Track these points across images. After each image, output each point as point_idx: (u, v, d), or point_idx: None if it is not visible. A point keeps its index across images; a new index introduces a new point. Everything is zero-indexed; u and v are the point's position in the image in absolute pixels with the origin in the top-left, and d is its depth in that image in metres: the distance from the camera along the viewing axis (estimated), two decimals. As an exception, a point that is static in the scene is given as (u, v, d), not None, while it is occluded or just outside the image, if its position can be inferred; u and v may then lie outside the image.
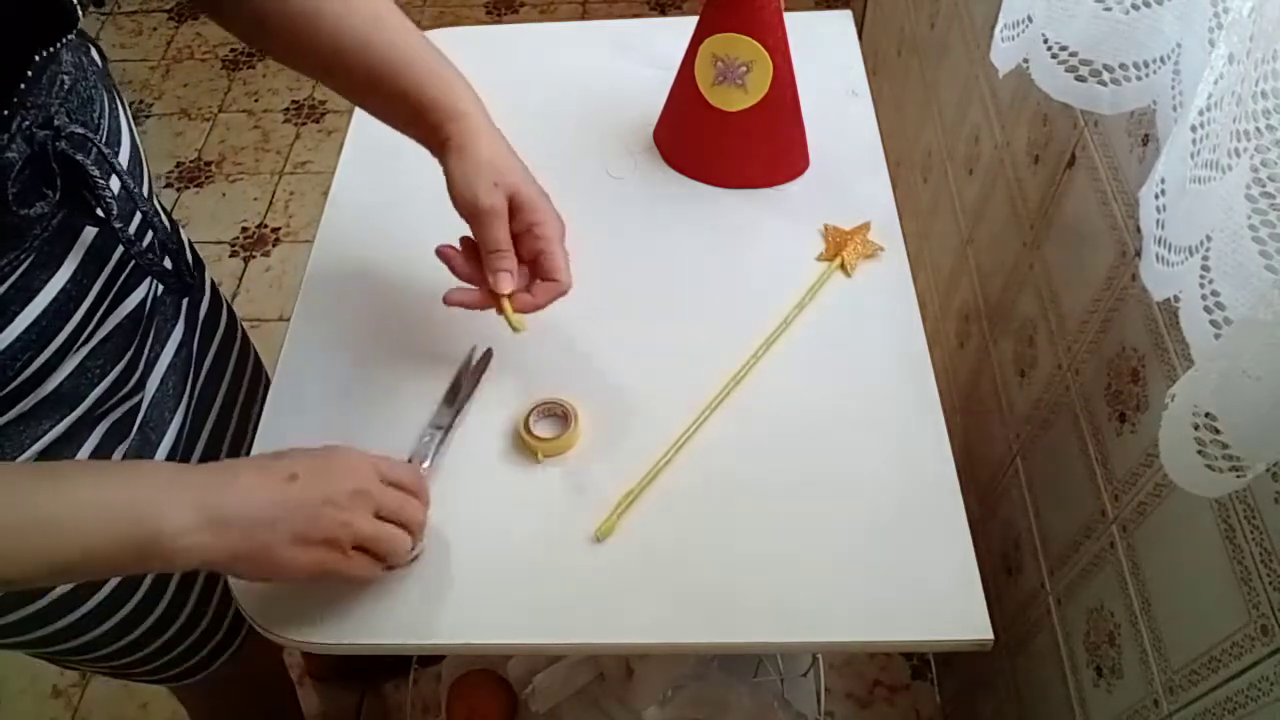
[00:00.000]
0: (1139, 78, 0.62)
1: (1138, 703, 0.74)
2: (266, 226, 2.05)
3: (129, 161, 0.65)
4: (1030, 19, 0.66)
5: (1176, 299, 0.52)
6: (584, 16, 2.48)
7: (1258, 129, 0.44)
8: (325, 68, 0.70)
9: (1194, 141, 0.50)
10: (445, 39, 1.07)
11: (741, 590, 0.66)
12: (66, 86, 0.59)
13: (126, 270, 0.66)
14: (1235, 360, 0.42)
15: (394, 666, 1.40)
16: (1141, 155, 0.74)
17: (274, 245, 2.01)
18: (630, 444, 0.74)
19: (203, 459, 0.81)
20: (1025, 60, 0.68)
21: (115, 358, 0.68)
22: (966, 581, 0.66)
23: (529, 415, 0.74)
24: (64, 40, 0.56)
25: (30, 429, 0.63)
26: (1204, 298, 0.47)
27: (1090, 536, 0.83)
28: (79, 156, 0.57)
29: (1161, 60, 0.60)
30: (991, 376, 1.08)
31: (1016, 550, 1.01)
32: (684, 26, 0.88)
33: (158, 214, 0.69)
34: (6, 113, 0.53)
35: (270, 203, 2.09)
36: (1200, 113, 0.49)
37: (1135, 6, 0.59)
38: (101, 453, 0.69)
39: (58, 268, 0.59)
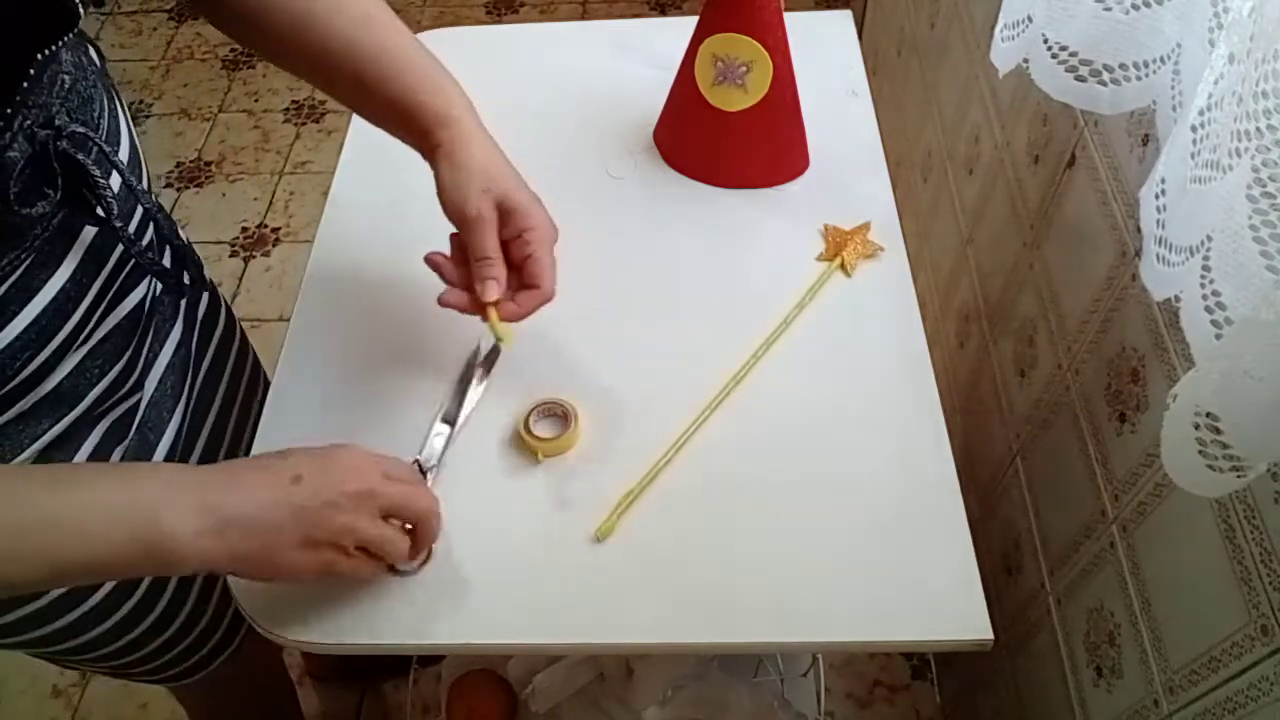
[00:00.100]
0: (1139, 78, 0.61)
1: (1138, 703, 0.74)
2: (266, 226, 2.05)
3: (129, 160, 0.65)
4: (1030, 19, 0.66)
5: (1177, 299, 0.52)
6: (584, 16, 2.48)
7: (1258, 129, 0.44)
8: (315, 69, 0.69)
9: (1194, 141, 0.50)
10: (445, 39, 1.07)
11: (741, 590, 0.66)
12: (67, 86, 0.59)
13: (126, 270, 0.66)
14: (1237, 360, 0.42)
15: (394, 666, 1.40)
16: (1141, 155, 0.74)
17: (274, 245, 2.01)
18: (630, 444, 0.74)
19: (201, 459, 0.81)
20: (1025, 60, 0.67)
21: (114, 357, 0.68)
22: (966, 581, 0.66)
23: (529, 415, 0.74)
24: (65, 39, 0.56)
25: (29, 428, 0.63)
26: (1205, 298, 0.47)
27: (1090, 536, 0.83)
28: (80, 156, 0.57)
29: (1161, 60, 0.60)
30: (991, 376, 1.08)
31: (1016, 550, 1.01)
32: (684, 26, 0.88)
33: (160, 209, 0.69)
34: (9, 111, 0.53)
35: (270, 203, 2.09)
36: (1200, 113, 0.49)
37: (1135, 6, 0.59)
38: (100, 452, 0.69)
39: (57, 267, 0.59)
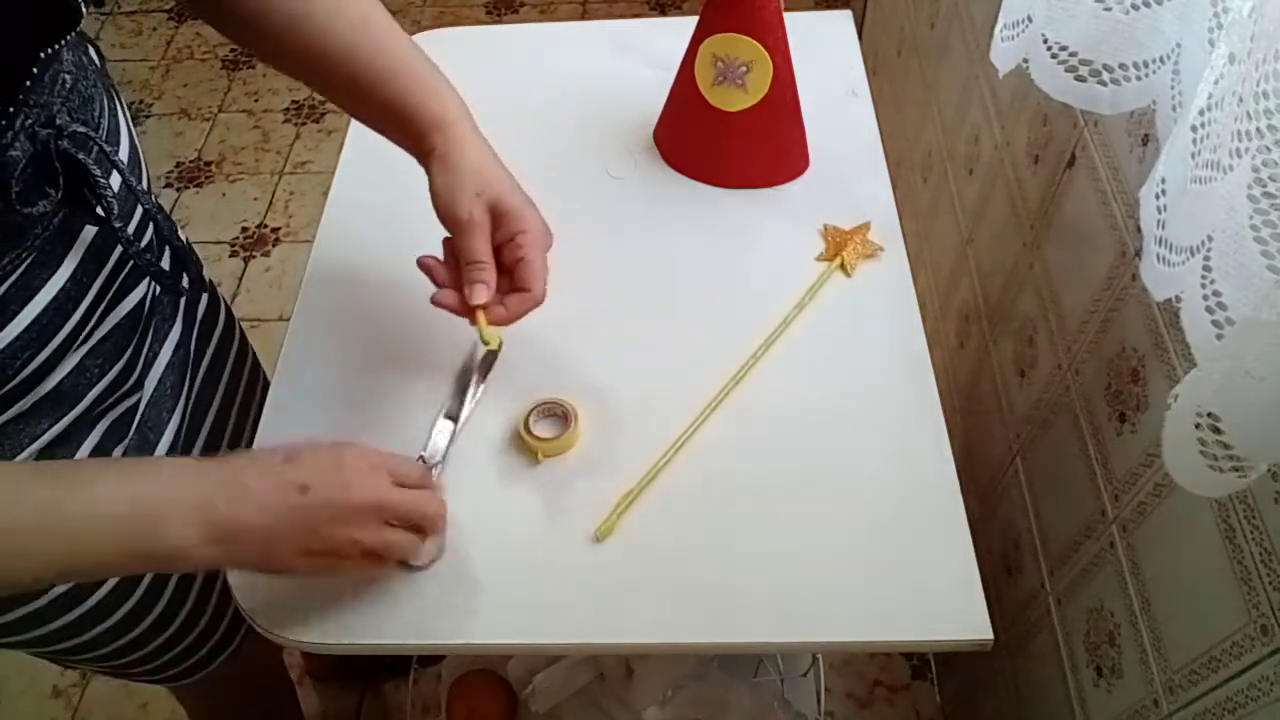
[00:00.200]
0: (1139, 78, 0.61)
1: (1138, 703, 0.74)
2: (266, 226, 2.05)
3: (128, 160, 0.65)
4: (1030, 19, 0.66)
5: (1177, 299, 0.52)
6: (584, 16, 2.48)
7: (1259, 129, 0.44)
8: (312, 71, 0.69)
9: (1194, 141, 0.50)
10: (445, 39, 1.07)
11: (741, 590, 0.66)
12: (68, 85, 0.59)
13: (125, 270, 0.67)
14: (1238, 361, 0.42)
15: (394, 666, 1.40)
16: (1141, 155, 0.74)
17: (274, 245, 2.01)
18: (630, 444, 0.73)
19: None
20: (1025, 60, 0.67)
21: (114, 357, 0.68)
22: (966, 581, 0.66)
23: (529, 415, 0.74)
24: (67, 38, 0.56)
25: (29, 428, 0.63)
26: (1205, 298, 0.47)
27: (1090, 536, 0.83)
28: (81, 155, 0.57)
29: (1161, 60, 0.60)
30: (991, 376, 1.08)
31: (1016, 550, 1.01)
32: (684, 26, 0.88)
33: (160, 209, 0.69)
34: (11, 111, 0.53)
35: (270, 203, 2.09)
36: (1201, 113, 0.49)
37: (1135, 6, 0.59)
38: (100, 452, 0.69)
39: (58, 267, 0.59)
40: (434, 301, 0.68)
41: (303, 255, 1.56)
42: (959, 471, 0.71)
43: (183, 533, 0.53)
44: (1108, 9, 0.60)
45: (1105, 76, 0.62)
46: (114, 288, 0.65)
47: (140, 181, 0.66)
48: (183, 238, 0.74)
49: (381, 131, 0.71)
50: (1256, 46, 0.44)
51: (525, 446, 0.73)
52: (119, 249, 0.64)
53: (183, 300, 0.79)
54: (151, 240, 0.69)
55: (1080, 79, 0.64)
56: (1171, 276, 0.52)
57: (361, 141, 0.97)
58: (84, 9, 0.56)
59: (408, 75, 0.68)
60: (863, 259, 0.84)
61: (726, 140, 0.88)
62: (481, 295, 0.65)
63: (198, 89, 2.36)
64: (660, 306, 0.83)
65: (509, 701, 1.06)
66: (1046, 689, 0.94)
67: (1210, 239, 0.48)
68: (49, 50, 0.55)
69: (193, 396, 0.80)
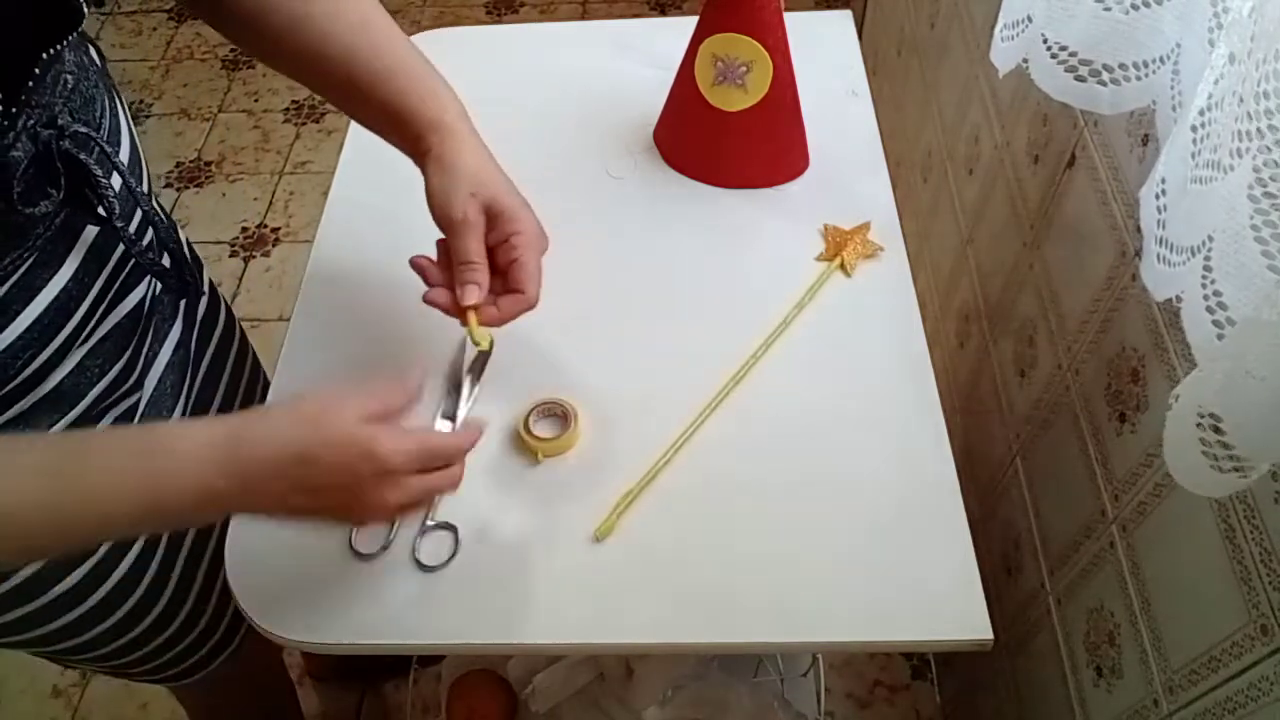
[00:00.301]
0: (1139, 78, 0.61)
1: (1138, 703, 0.74)
2: (266, 226, 2.05)
3: (129, 160, 0.65)
4: (1030, 19, 0.66)
5: (1178, 299, 0.52)
6: (584, 16, 2.48)
7: (1259, 129, 0.44)
8: (310, 72, 0.69)
9: (1194, 141, 0.50)
10: (445, 39, 1.07)
11: (741, 590, 0.66)
12: (70, 86, 0.59)
13: (126, 269, 0.67)
14: (1239, 361, 0.42)
15: (394, 666, 1.40)
16: (1141, 155, 0.74)
17: (274, 245, 2.01)
18: (630, 444, 0.73)
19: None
20: (1025, 60, 0.67)
21: (114, 356, 0.68)
22: (966, 581, 0.66)
23: (529, 415, 0.74)
24: (69, 39, 0.56)
25: (29, 428, 0.63)
26: (1206, 298, 0.47)
27: (1090, 536, 0.83)
28: (82, 155, 0.57)
29: (1161, 60, 0.60)
30: (991, 376, 1.08)
31: (1016, 550, 1.01)
32: (684, 26, 0.88)
33: (158, 212, 0.69)
34: (13, 111, 0.53)
35: (270, 203, 2.09)
36: (1201, 113, 0.49)
37: (1135, 6, 0.59)
38: (101, 452, 0.69)
39: (59, 266, 0.59)
40: (426, 300, 0.68)
41: (303, 255, 1.56)
42: (959, 471, 0.71)
43: (199, 468, 0.52)
44: (1108, 9, 0.60)
45: (1105, 76, 0.62)
46: (115, 287, 0.66)
47: (141, 183, 0.66)
48: (183, 238, 0.73)
49: (379, 133, 0.71)
50: (1256, 46, 0.44)
51: (525, 446, 0.73)
52: (120, 249, 0.64)
53: (183, 300, 0.79)
54: (152, 240, 0.69)
55: (1080, 79, 0.64)
56: (1172, 276, 0.52)
57: (361, 141, 0.97)
58: (85, 9, 0.56)
59: (405, 77, 0.68)
60: (863, 259, 0.84)
61: (726, 140, 0.88)
62: (473, 296, 0.65)
63: (198, 89, 2.36)
64: (660, 306, 0.83)
65: (509, 701, 1.06)
66: (1046, 689, 0.94)
67: (1211, 239, 0.48)
68: (51, 51, 0.55)
69: (193, 396, 0.80)
